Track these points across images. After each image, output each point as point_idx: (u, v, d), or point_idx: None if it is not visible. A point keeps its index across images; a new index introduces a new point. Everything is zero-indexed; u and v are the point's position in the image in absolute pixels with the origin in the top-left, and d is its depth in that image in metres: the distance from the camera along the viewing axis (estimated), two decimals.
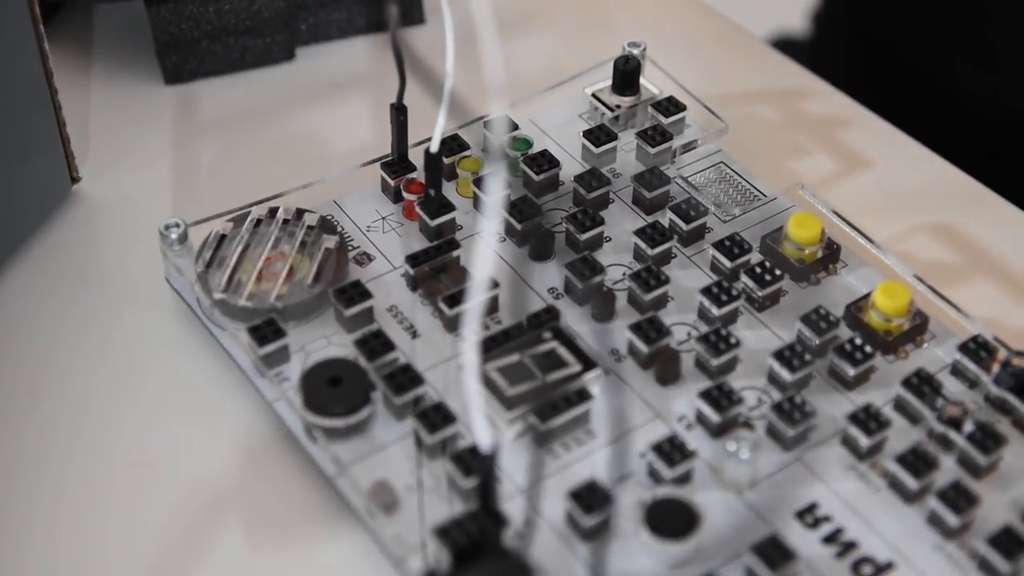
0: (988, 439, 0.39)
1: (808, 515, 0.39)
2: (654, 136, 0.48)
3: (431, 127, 0.43)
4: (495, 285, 0.43)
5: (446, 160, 0.47)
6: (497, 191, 0.30)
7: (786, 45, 0.75)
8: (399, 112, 0.45)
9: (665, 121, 0.49)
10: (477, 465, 0.36)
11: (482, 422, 0.34)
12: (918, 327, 0.43)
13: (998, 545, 0.37)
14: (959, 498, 0.38)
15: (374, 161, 0.47)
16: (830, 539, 0.38)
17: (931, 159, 0.52)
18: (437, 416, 0.39)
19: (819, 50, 0.77)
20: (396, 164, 0.47)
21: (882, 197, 0.50)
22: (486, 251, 0.30)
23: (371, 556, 0.38)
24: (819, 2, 0.79)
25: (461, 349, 0.31)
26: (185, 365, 0.43)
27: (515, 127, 0.48)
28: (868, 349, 0.41)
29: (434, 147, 0.44)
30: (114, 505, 0.40)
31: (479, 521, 0.36)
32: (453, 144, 0.47)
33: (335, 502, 0.39)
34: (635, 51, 0.50)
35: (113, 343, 0.44)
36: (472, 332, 0.32)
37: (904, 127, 0.53)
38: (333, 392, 0.39)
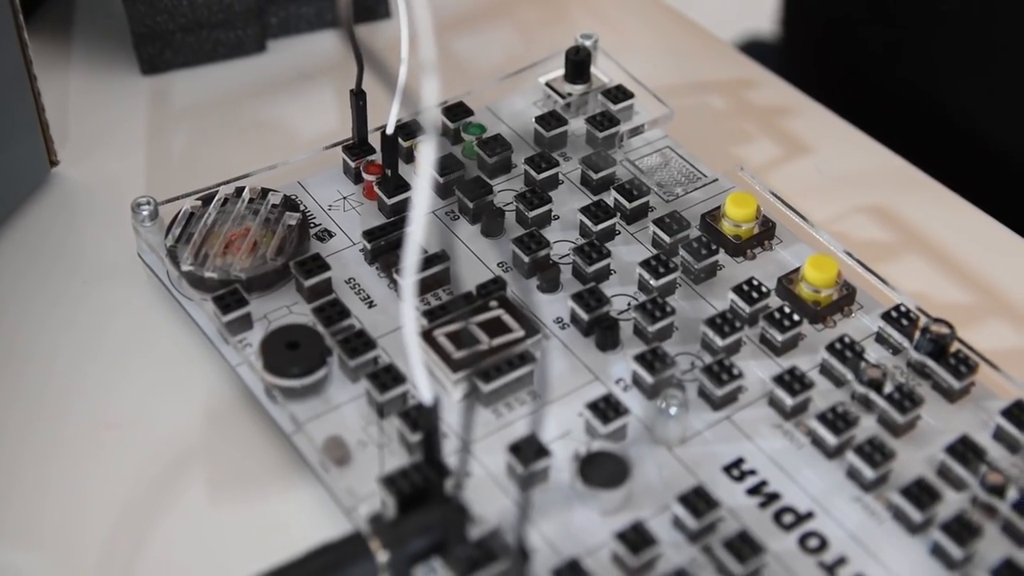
0: (906, 399, 0.42)
1: (735, 469, 0.41)
2: (602, 121, 0.51)
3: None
4: (447, 258, 0.45)
5: (404, 144, 0.50)
6: (428, 165, 0.32)
7: (754, 48, 0.78)
8: (358, 97, 0.48)
9: (613, 108, 0.51)
10: (421, 418, 0.39)
11: (423, 377, 0.36)
12: (846, 298, 0.46)
13: (910, 496, 0.39)
14: (875, 453, 0.40)
15: (336, 144, 0.50)
16: (754, 491, 0.41)
17: (870, 145, 0.55)
18: (387, 377, 0.42)
19: (787, 52, 0.80)
20: (356, 147, 0.49)
21: (820, 180, 0.53)
22: (419, 218, 0.33)
23: (325, 507, 0.41)
24: (785, 4, 0.81)
25: (403, 309, 0.34)
26: (155, 334, 0.46)
27: (470, 113, 0.51)
28: (796, 317, 0.44)
29: (389, 129, 0.46)
30: (86, 463, 0.42)
31: (423, 471, 0.38)
32: (410, 129, 0.50)
33: (292, 458, 0.42)
34: (587, 42, 0.53)
35: (88, 314, 0.47)
36: (410, 289, 0.34)
37: (863, 125, 0.55)
38: (291, 355, 0.42)
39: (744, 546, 0.38)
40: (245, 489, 0.42)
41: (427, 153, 0.31)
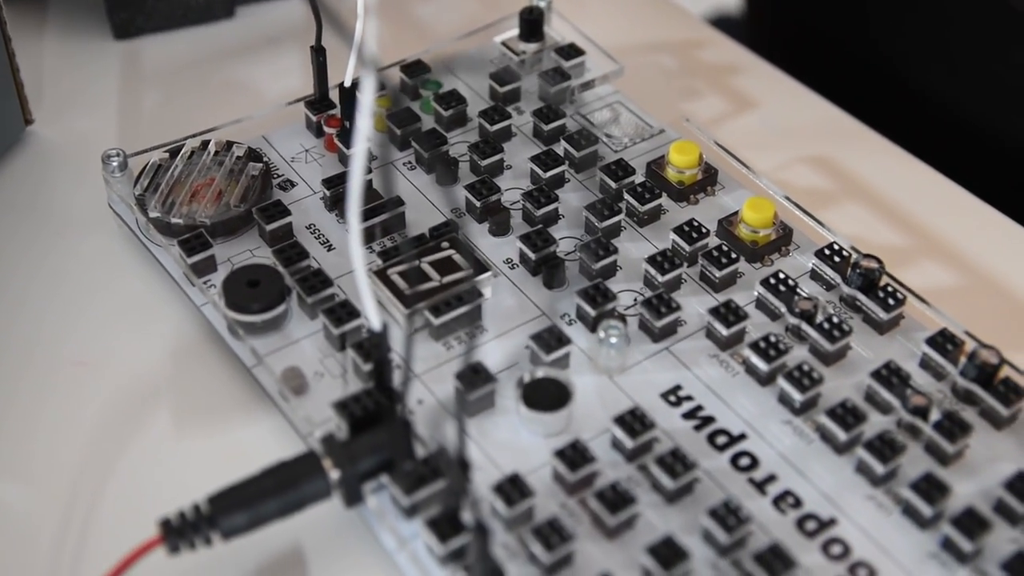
0: (835, 330, 0.44)
1: (672, 395, 0.43)
2: (554, 77, 0.53)
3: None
4: (400, 203, 0.48)
5: None
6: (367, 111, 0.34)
7: (722, 23, 0.80)
8: (318, 53, 0.50)
9: (565, 64, 0.54)
10: (371, 344, 0.41)
11: (372, 305, 0.39)
12: (783, 238, 0.48)
13: (836, 418, 0.42)
14: (805, 379, 0.43)
15: (298, 100, 0.52)
16: (689, 415, 0.43)
17: (816, 101, 0.57)
18: (343, 311, 0.44)
19: (754, 28, 0.82)
20: (317, 102, 0.52)
21: (765, 133, 0.55)
22: (358, 156, 0.35)
23: (284, 435, 0.43)
24: None
25: (351, 239, 0.36)
26: (125, 278, 0.48)
27: (428, 70, 0.53)
28: (733, 255, 0.46)
29: (347, 82, 0.49)
30: (60, 397, 0.45)
31: (374, 396, 0.41)
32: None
33: (254, 390, 0.44)
34: (541, 3, 0.55)
35: (61, 261, 0.49)
36: (356, 216, 0.36)
37: (817, 88, 0.58)
38: (252, 292, 0.44)
39: (677, 463, 0.40)
40: (209, 419, 0.44)
41: (367, 92, 0.33)
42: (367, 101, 0.34)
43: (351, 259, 0.37)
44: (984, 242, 0.51)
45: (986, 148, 0.61)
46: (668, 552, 0.38)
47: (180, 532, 0.37)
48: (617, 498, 0.39)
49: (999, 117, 0.61)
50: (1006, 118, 0.60)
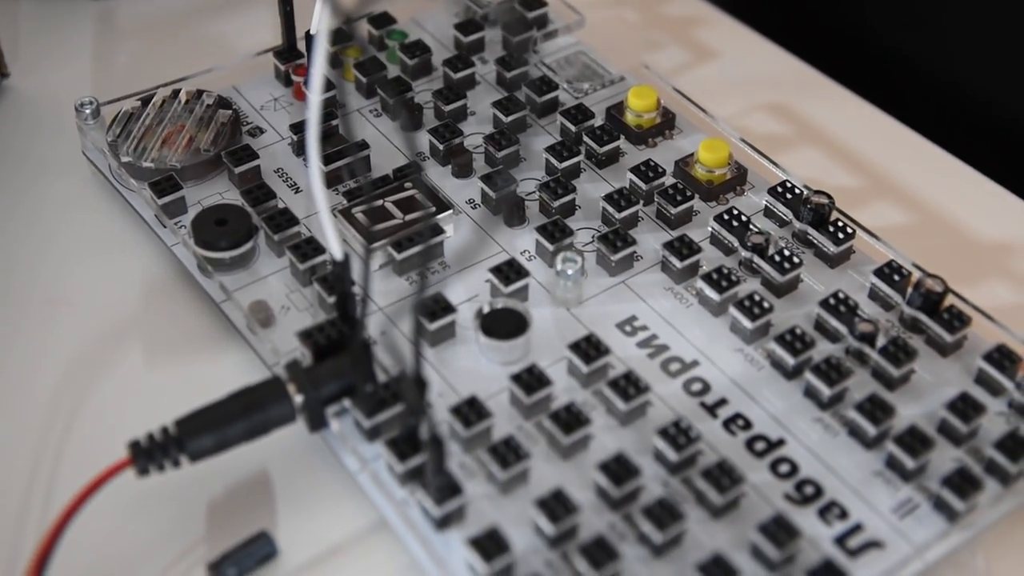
0: (786, 262, 0.46)
1: (627, 325, 0.45)
2: (517, 27, 0.54)
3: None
4: (365, 146, 0.49)
5: (333, 49, 0.53)
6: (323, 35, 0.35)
7: None
8: (284, 3, 0.52)
9: (528, 15, 0.55)
10: (332, 274, 0.42)
11: (333, 234, 0.40)
12: (737, 178, 0.49)
13: (785, 344, 0.43)
14: (755, 307, 0.44)
15: (267, 51, 0.54)
16: (644, 344, 0.44)
17: (775, 52, 0.59)
18: (308, 248, 0.45)
19: None
20: (286, 52, 0.53)
21: (725, 82, 0.57)
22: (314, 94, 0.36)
23: (252, 367, 0.44)
24: None
25: (310, 170, 0.37)
26: (98, 222, 0.50)
27: (394, 22, 0.55)
28: (688, 193, 0.48)
29: (312, 30, 0.50)
30: (35, 334, 0.46)
31: (337, 326, 0.42)
32: (338, 36, 0.53)
33: (223, 325, 0.45)
34: None
35: (37, 207, 0.50)
36: (315, 148, 0.38)
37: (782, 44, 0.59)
38: (220, 230, 0.46)
39: (630, 387, 0.41)
40: (179, 353, 0.45)
41: (322, 39, 0.34)
42: (321, 44, 0.35)
43: (311, 188, 0.38)
44: (934, 183, 0.52)
45: (940, 95, 0.63)
46: (620, 469, 0.39)
47: (148, 454, 0.39)
48: (571, 419, 0.40)
49: (953, 65, 0.62)
50: (959, 65, 0.62)
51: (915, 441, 0.40)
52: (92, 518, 0.38)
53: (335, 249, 0.40)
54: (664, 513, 0.38)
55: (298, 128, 0.50)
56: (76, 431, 0.43)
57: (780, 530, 0.38)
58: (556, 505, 0.38)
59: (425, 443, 0.37)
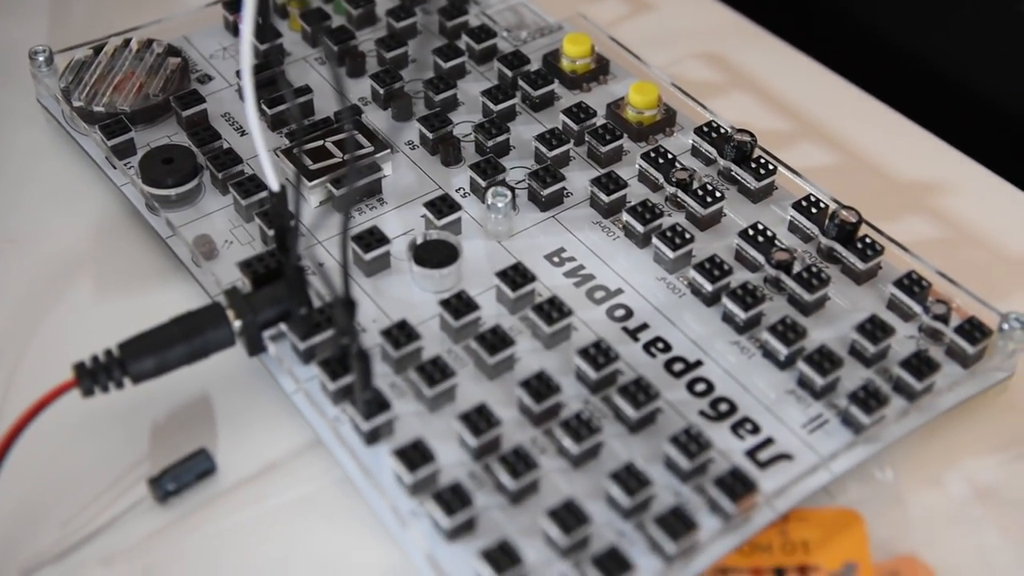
0: (708, 196, 0.48)
1: (555, 257, 0.47)
2: None
3: None
4: (308, 91, 0.51)
5: (280, 1, 0.55)
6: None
7: None
8: None
9: None
10: (270, 205, 0.44)
11: (269, 167, 0.42)
12: (667, 120, 0.51)
13: (704, 271, 0.45)
14: (677, 238, 0.46)
15: (216, 1, 0.55)
16: (571, 273, 0.46)
17: (711, 4, 0.61)
18: (251, 185, 0.47)
19: None
20: (235, 3, 0.55)
21: (661, 32, 0.59)
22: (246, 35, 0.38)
23: (196, 298, 0.46)
24: None
25: (246, 108, 0.39)
26: (51, 165, 0.52)
27: None
28: (617, 132, 0.50)
29: None
30: None
31: (276, 256, 0.44)
32: None
33: (170, 260, 0.47)
34: None
35: None
36: (250, 84, 0.40)
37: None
38: (166, 169, 0.48)
39: (554, 311, 0.43)
40: (127, 286, 0.47)
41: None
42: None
43: (247, 122, 0.40)
44: (859, 127, 0.54)
45: (867, 42, 0.65)
46: (541, 386, 0.41)
47: (92, 375, 0.41)
48: (497, 340, 0.42)
49: (877, 12, 0.64)
50: (882, 13, 0.64)
51: (824, 360, 0.42)
52: (41, 438, 0.40)
53: (271, 181, 0.42)
54: (581, 427, 0.40)
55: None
56: (27, 358, 0.45)
57: (691, 441, 0.40)
58: (479, 419, 0.40)
59: (353, 359, 0.39)
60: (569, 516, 0.38)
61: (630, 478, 0.39)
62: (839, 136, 0.54)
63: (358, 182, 0.47)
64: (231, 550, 0.40)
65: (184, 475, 0.41)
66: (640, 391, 0.41)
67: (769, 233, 0.46)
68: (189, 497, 0.41)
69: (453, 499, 0.38)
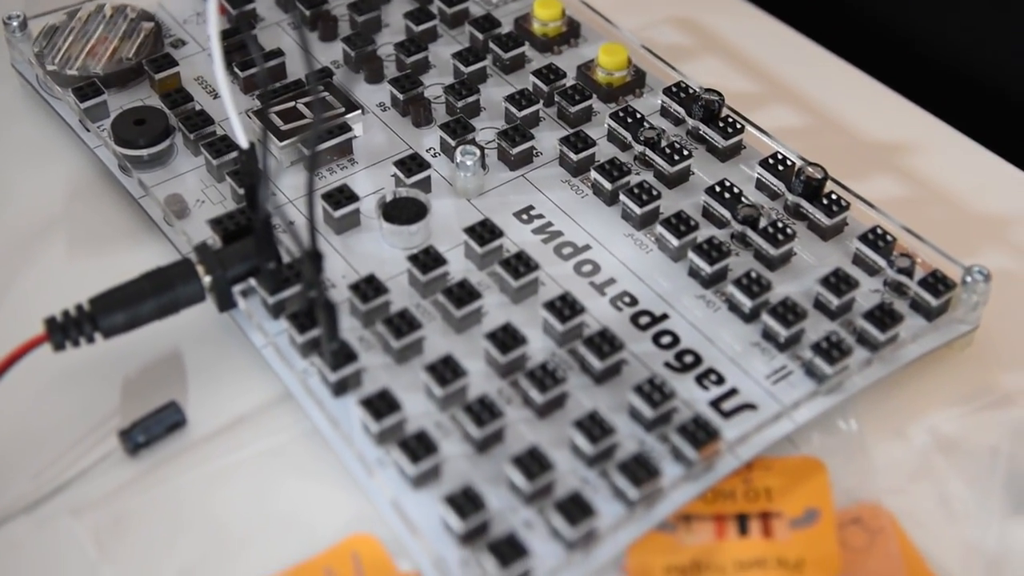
0: (676, 154, 0.48)
1: (524, 214, 0.47)
2: None
3: None
4: (280, 53, 0.52)
5: None
6: None
7: None
8: None
9: None
10: (240, 162, 0.45)
11: (238, 123, 0.42)
12: (636, 81, 0.52)
13: (670, 227, 0.46)
14: (644, 194, 0.47)
15: None
16: (539, 230, 0.47)
17: None
18: (222, 144, 0.48)
19: None
20: None
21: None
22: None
23: (168, 256, 0.47)
24: None
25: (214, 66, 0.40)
26: (26, 129, 0.52)
27: None
28: (587, 92, 0.50)
29: None
30: None
31: (246, 214, 0.45)
32: None
33: (142, 219, 0.48)
34: None
35: None
36: (214, 29, 0.40)
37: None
38: (138, 130, 0.48)
39: (521, 265, 0.44)
40: (99, 246, 0.48)
41: None
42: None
43: (216, 81, 0.41)
44: (829, 89, 0.55)
45: (835, 5, 0.65)
46: (507, 338, 0.42)
47: (63, 329, 0.41)
48: (464, 294, 0.43)
49: None
50: None
51: (788, 312, 0.43)
52: (12, 393, 0.41)
53: (240, 138, 0.43)
54: (547, 377, 0.40)
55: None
56: None
57: (655, 390, 0.40)
58: (445, 370, 0.40)
59: (319, 310, 0.40)
60: (533, 463, 0.38)
61: (594, 426, 0.39)
62: (808, 99, 0.54)
63: (325, 140, 0.47)
64: (200, 500, 0.40)
65: (154, 427, 0.41)
66: (605, 342, 0.41)
67: (736, 190, 0.46)
68: (159, 449, 0.41)
69: (418, 447, 0.38)
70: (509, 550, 0.36)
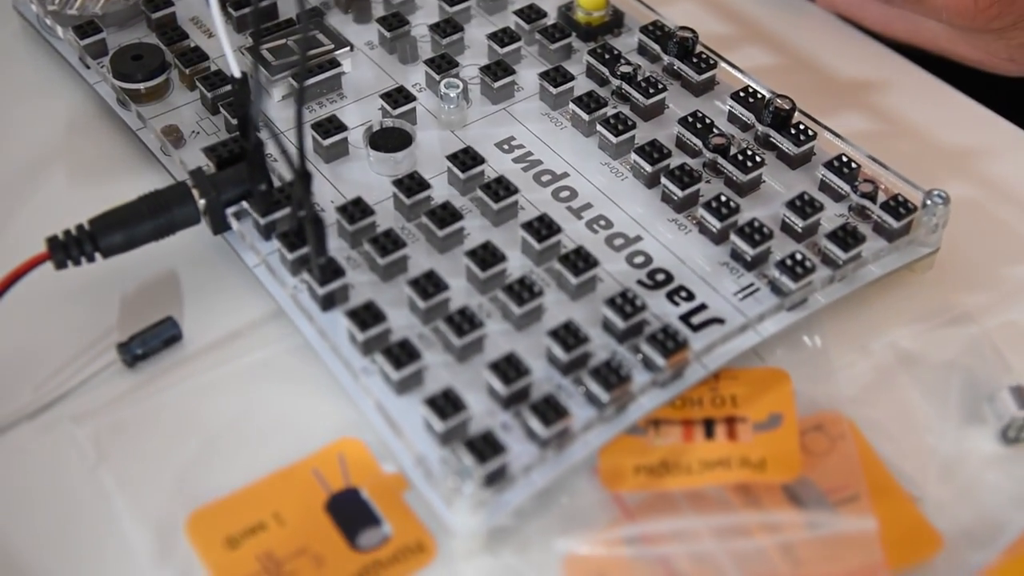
0: (651, 88, 0.50)
1: (505, 144, 0.49)
2: None
3: None
4: None
5: None
6: None
7: None
8: None
9: None
10: (233, 91, 0.47)
11: (231, 55, 0.44)
12: (614, 21, 0.54)
13: (644, 154, 0.48)
14: (620, 124, 0.49)
15: None
16: (519, 159, 0.49)
17: None
18: (217, 79, 0.50)
19: None
20: None
21: None
22: None
23: (164, 184, 0.49)
24: None
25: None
26: (26, 67, 0.54)
27: None
28: (566, 31, 0.52)
29: None
30: None
31: (238, 141, 0.47)
32: None
33: (140, 151, 0.50)
34: None
35: None
36: None
37: None
38: (136, 64, 0.50)
39: (501, 189, 0.46)
40: (99, 176, 0.50)
41: None
42: None
43: (210, 12, 0.43)
44: (799, 31, 0.57)
45: None
46: (487, 255, 0.44)
47: (65, 248, 0.43)
48: (447, 215, 0.45)
49: None
50: None
51: (756, 233, 0.45)
52: (16, 308, 0.43)
53: (233, 67, 0.45)
54: (524, 290, 0.43)
55: None
56: (2, 240, 0.47)
57: (626, 303, 0.42)
58: (428, 284, 0.43)
59: (307, 226, 0.42)
60: (510, 368, 0.40)
61: (568, 335, 0.41)
62: (781, 39, 0.56)
63: (318, 77, 0.50)
64: (195, 408, 0.42)
65: (151, 340, 0.43)
66: (580, 259, 0.44)
67: (708, 120, 0.49)
68: (156, 361, 0.43)
69: (402, 353, 0.41)
70: (486, 447, 0.39)
